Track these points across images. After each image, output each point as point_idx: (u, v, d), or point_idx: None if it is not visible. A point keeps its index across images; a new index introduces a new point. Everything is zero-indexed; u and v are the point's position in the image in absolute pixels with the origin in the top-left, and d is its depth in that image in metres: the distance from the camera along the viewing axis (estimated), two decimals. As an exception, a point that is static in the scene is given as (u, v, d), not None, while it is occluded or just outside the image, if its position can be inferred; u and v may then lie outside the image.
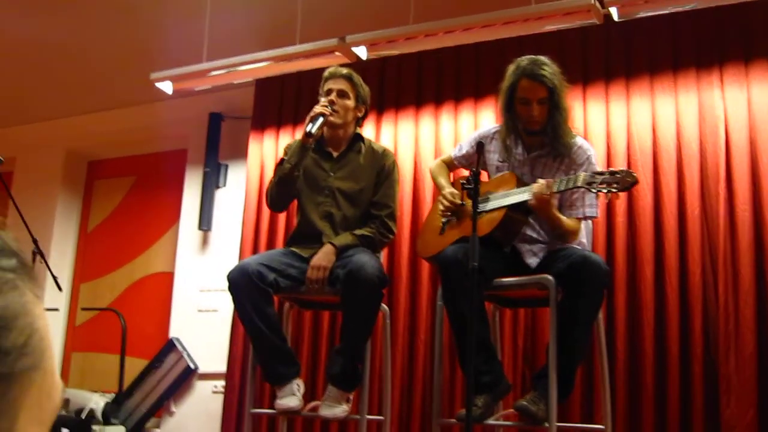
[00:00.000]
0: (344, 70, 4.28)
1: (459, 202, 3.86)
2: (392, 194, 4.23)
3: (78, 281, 7.93)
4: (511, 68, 3.77)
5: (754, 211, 4.66)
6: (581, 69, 5.32)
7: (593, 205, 3.71)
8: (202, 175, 6.90)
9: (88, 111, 7.64)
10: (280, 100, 6.44)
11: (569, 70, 5.08)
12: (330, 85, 4.22)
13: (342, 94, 4.21)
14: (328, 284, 3.94)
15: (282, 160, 4.22)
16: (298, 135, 5.80)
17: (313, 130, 4.00)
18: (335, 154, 4.26)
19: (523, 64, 3.73)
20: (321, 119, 4.05)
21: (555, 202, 3.55)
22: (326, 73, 4.28)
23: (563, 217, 3.62)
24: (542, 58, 3.75)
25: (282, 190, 4.16)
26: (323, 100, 4.17)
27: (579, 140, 3.81)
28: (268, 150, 6.37)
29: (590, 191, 3.45)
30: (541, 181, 3.51)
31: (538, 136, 3.79)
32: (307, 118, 4.06)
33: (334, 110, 4.15)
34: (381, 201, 4.19)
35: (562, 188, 3.48)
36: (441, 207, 3.95)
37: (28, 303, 0.70)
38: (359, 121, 4.35)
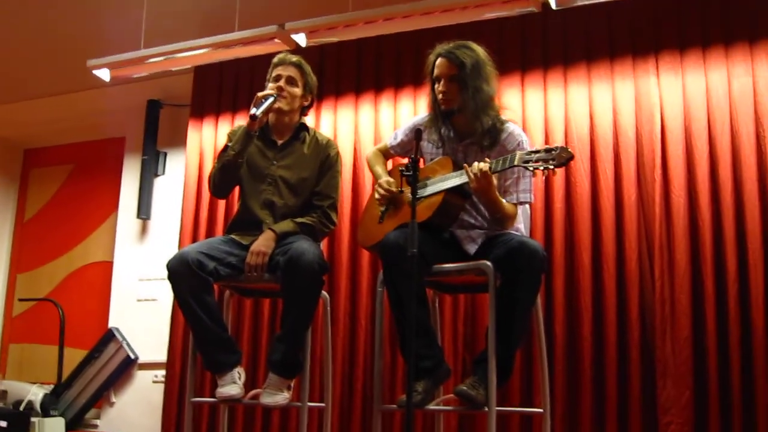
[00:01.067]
0: (294, 58, 4.24)
1: (395, 189, 3.84)
2: (335, 185, 4.23)
3: (15, 272, 7.84)
4: (433, 51, 3.81)
5: (689, 198, 4.73)
6: (520, 57, 5.38)
7: (527, 190, 3.68)
8: (140, 163, 6.85)
9: (24, 98, 7.58)
10: (219, 88, 6.41)
11: (508, 58, 5.28)
12: (279, 71, 4.19)
13: (290, 81, 4.17)
14: (268, 271, 3.90)
15: (226, 146, 4.16)
16: (238, 122, 5.86)
17: (258, 113, 3.95)
18: (279, 143, 4.22)
19: (443, 46, 3.76)
20: (268, 101, 4.01)
21: (495, 182, 3.50)
22: (275, 60, 4.24)
23: (503, 201, 3.59)
24: (468, 42, 3.78)
25: (225, 176, 4.09)
26: (271, 85, 4.15)
27: (510, 126, 3.75)
28: (207, 138, 6.33)
29: (527, 169, 3.41)
30: (478, 163, 3.48)
31: (456, 117, 3.76)
32: (254, 101, 4.01)
33: (282, 96, 4.12)
34: (323, 191, 4.17)
35: (499, 168, 3.44)
36: (377, 196, 3.94)
37: None
38: (304, 110, 4.31)
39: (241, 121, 5.96)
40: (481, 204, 3.67)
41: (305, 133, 4.27)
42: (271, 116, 4.21)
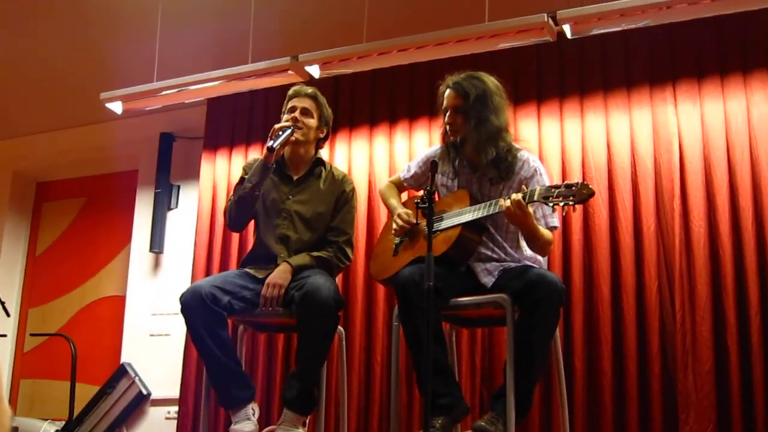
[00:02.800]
0: (309, 89, 4.29)
1: (413, 221, 3.85)
2: (350, 221, 4.26)
3: (26, 306, 7.76)
4: (444, 82, 3.91)
5: (709, 227, 4.69)
6: (536, 86, 5.35)
7: (552, 215, 3.71)
8: (153, 196, 6.83)
9: (37, 131, 7.58)
10: (232, 120, 6.41)
11: (524, 87, 5.29)
12: (294, 102, 4.23)
13: (305, 112, 4.22)
14: (283, 306, 3.92)
15: (242, 179, 4.19)
16: (252, 155, 5.87)
17: (276, 145, 3.99)
18: (295, 177, 4.25)
19: (453, 78, 3.85)
20: (285, 133, 4.05)
21: (532, 210, 3.52)
22: (291, 91, 4.29)
23: (541, 228, 3.61)
24: (478, 73, 3.85)
25: (242, 209, 4.13)
26: (286, 117, 4.20)
27: (524, 154, 3.81)
28: (220, 170, 6.32)
29: (546, 205, 3.44)
30: (506, 199, 3.50)
31: (465, 147, 3.84)
32: (270, 134, 4.07)
33: (297, 127, 4.16)
34: (339, 227, 4.20)
35: (527, 200, 3.46)
36: (395, 227, 3.95)
37: None
38: (320, 143, 4.36)
39: (255, 154, 5.96)
40: (521, 234, 3.69)
41: (321, 168, 4.30)
42: (287, 150, 4.25)
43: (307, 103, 4.24)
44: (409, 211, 3.93)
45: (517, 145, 3.84)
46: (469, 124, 3.73)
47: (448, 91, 3.82)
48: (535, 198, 3.41)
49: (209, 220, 6.25)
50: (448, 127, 3.83)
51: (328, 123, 4.35)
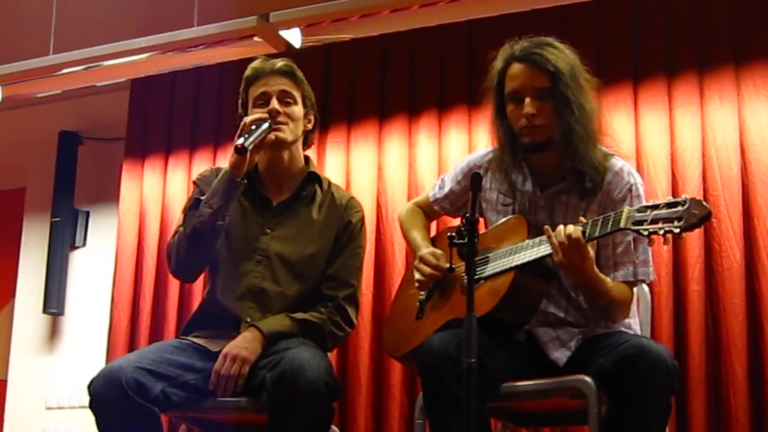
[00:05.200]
0: (279, 63, 4.22)
1: (445, 265, 3.81)
2: (356, 266, 4.25)
3: None
4: (500, 55, 3.82)
5: None
6: (630, 63, 5.41)
7: (647, 261, 3.67)
8: (48, 227, 6.85)
9: None
10: (168, 113, 6.45)
11: (611, 63, 5.32)
12: (262, 87, 4.17)
13: (285, 97, 4.17)
14: (247, 393, 3.83)
15: (196, 200, 4.06)
16: (201, 165, 5.88)
17: (248, 144, 3.89)
18: (275, 201, 4.22)
19: (517, 46, 3.77)
20: (261, 128, 3.97)
21: (592, 254, 3.47)
22: (251, 71, 4.23)
23: (608, 280, 3.57)
24: (550, 40, 3.78)
25: (198, 247, 4.04)
26: (257, 112, 4.10)
27: (617, 163, 3.77)
28: (151, 188, 6.36)
29: (640, 235, 3.34)
30: (564, 227, 3.44)
31: (545, 152, 3.74)
32: (240, 129, 3.96)
33: (278, 123, 4.10)
34: (339, 276, 4.16)
35: (597, 233, 3.40)
36: (418, 276, 3.93)
37: None
38: (308, 139, 4.36)
39: (205, 162, 6.03)
40: (574, 287, 3.67)
41: (315, 187, 4.28)
42: (262, 158, 4.19)
43: (283, 84, 4.17)
44: (438, 251, 3.92)
45: (605, 148, 3.84)
46: (568, 116, 3.66)
47: (517, 67, 3.73)
48: (623, 224, 3.33)
49: (133, 263, 6.29)
50: (525, 120, 3.70)
51: (314, 107, 4.33)
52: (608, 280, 3.56)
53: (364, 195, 5.81)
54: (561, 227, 3.43)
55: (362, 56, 6.02)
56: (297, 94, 4.20)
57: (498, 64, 3.79)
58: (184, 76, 6.30)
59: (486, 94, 3.87)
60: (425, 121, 5.82)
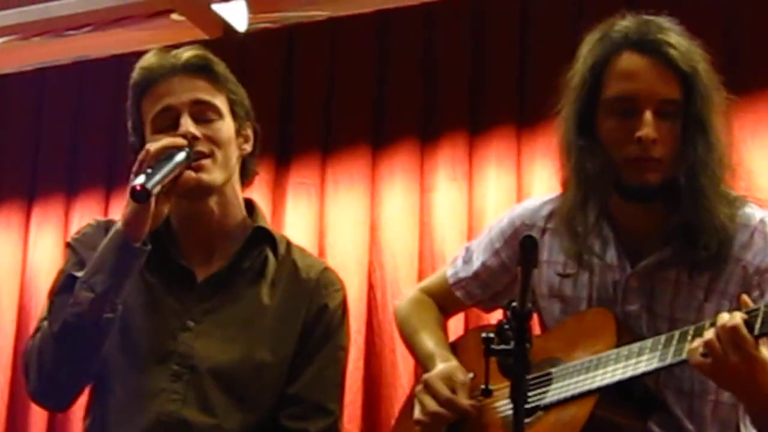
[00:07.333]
0: (186, 53, 3.36)
1: (464, 402, 3.12)
2: (335, 381, 3.42)
3: None
4: (596, 37, 3.10)
5: None
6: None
7: None
8: None
9: None
10: (32, 136, 5.79)
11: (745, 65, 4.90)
12: (165, 98, 3.28)
13: (203, 110, 3.26)
14: None
15: (70, 277, 3.18)
16: (85, 216, 5.40)
17: (152, 186, 3.00)
18: (201, 277, 3.32)
19: (625, 24, 3.10)
20: (174, 162, 3.12)
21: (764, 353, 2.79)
22: (141, 73, 3.34)
23: None
24: (659, 19, 3.12)
25: (71, 354, 3.20)
26: (166, 139, 3.18)
27: (754, 215, 3.16)
28: (3, 255, 5.73)
29: None
30: (724, 315, 2.78)
31: (654, 204, 3.09)
32: (138, 162, 3.11)
33: (198, 153, 3.17)
34: (309, 397, 3.34)
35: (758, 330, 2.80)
36: (418, 414, 3.22)
37: None
38: (248, 169, 3.46)
39: (95, 211, 5.46)
40: (742, 407, 3.06)
41: (265, 252, 3.39)
42: (177, 209, 3.29)
43: (196, 88, 3.32)
44: (459, 372, 3.24)
45: (731, 192, 3.20)
46: (696, 149, 3.04)
47: (636, 59, 3.04)
48: None
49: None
50: (635, 148, 2.98)
51: (249, 113, 3.46)
52: None
53: (348, 268, 5.07)
54: (723, 317, 2.84)
55: (345, 45, 5.33)
56: (220, 102, 3.37)
57: (592, 49, 3.10)
58: (59, 77, 5.72)
59: (561, 101, 3.13)
60: (446, 152, 5.07)
